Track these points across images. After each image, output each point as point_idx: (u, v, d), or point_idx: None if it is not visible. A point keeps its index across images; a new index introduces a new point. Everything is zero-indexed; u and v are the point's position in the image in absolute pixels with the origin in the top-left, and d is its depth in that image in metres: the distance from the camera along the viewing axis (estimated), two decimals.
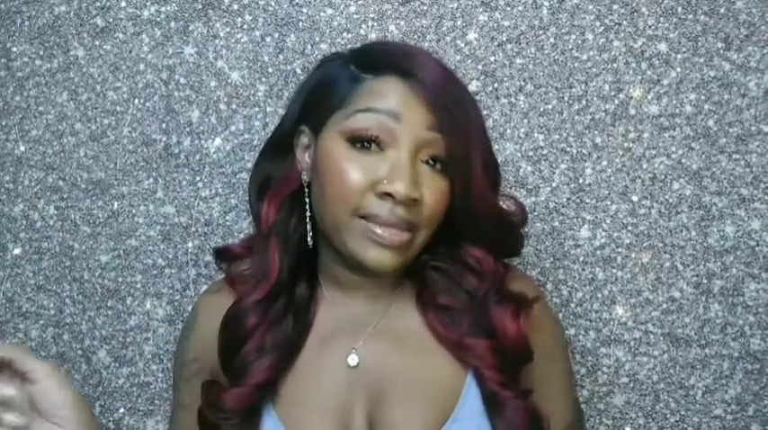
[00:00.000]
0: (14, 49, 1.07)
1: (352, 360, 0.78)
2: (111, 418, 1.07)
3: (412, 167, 0.72)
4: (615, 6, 0.98)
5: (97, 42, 1.05)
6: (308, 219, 0.79)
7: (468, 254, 0.79)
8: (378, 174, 0.72)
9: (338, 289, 0.81)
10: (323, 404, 0.77)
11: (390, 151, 0.73)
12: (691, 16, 0.97)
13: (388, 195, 0.71)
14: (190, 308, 0.98)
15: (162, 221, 1.05)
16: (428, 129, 0.73)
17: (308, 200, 0.78)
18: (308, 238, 0.79)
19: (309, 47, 1.02)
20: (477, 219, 0.77)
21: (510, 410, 0.75)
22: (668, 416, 0.99)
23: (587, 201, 0.99)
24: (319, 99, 0.78)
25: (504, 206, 0.83)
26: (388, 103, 0.73)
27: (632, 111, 0.98)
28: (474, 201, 0.75)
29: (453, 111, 0.73)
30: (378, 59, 0.77)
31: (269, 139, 0.84)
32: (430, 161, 0.74)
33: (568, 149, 0.99)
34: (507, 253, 0.84)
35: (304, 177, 0.79)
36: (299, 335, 0.80)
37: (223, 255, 0.85)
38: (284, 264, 0.79)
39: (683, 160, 0.98)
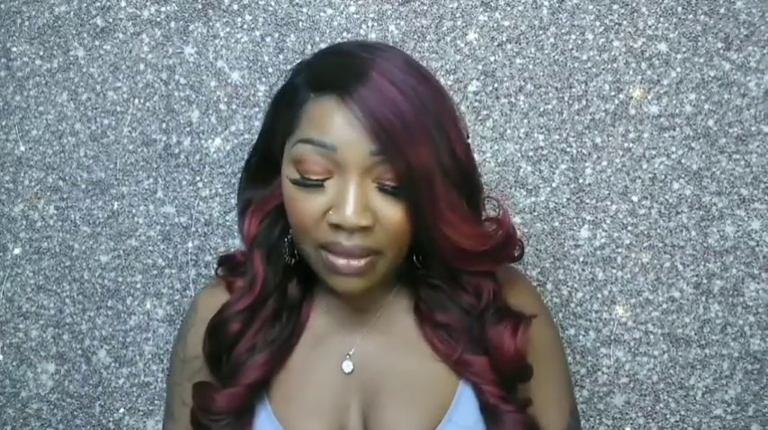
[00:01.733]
0: (14, 49, 1.07)
1: (347, 366, 0.79)
2: (111, 418, 1.07)
3: (359, 194, 0.68)
4: (615, 6, 0.98)
5: (97, 42, 1.05)
6: (288, 238, 0.77)
7: (467, 281, 0.77)
8: (327, 203, 0.70)
9: (331, 291, 0.79)
10: (319, 403, 0.78)
11: (337, 178, 0.70)
12: (691, 16, 0.97)
13: (338, 226, 0.69)
14: None
15: (162, 221, 1.05)
16: (371, 154, 0.68)
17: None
18: (286, 257, 0.78)
19: (309, 47, 1.02)
20: (445, 245, 0.72)
21: (508, 423, 0.76)
22: (668, 416, 0.99)
23: (587, 201, 0.99)
24: (281, 119, 0.75)
25: (488, 207, 0.80)
26: (327, 134, 0.69)
27: (632, 111, 0.98)
28: (433, 225, 0.71)
29: (398, 132, 0.68)
30: (320, 75, 0.72)
31: (247, 160, 0.82)
32: (381, 185, 0.70)
33: (568, 149, 0.99)
34: (502, 261, 0.80)
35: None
36: (292, 332, 0.80)
37: (227, 263, 0.85)
38: (269, 274, 0.78)
39: (683, 160, 0.98)
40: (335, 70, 0.72)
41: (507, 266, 0.87)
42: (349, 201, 0.68)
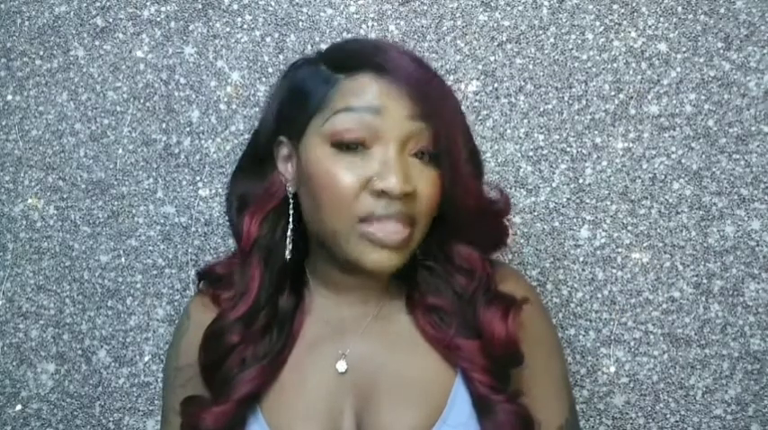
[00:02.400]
0: (14, 49, 1.07)
1: (341, 366, 0.78)
2: (111, 418, 1.07)
3: (401, 161, 0.71)
4: (615, 6, 0.98)
5: (97, 42, 1.05)
6: (289, 232, 0.77)
7: (456, 252, 0.78)
8: (368, 172, 0.71)
9: (329, 292, 0.80)
10: (312, 408, 0.77)
11: (377, 148, 0.71)
12: (691, 16, 0.97)
13: (383, 193, 0.70)
14: None
15: (162, 221, 1.05)
16: (412, 119, 0.71)
17: (292, 212, 0.77)
18: (287, 253, 0.78)
19: (309, 47, 1.02)
20: (463, 210, 0.75)
21: (500, 414, 0.74)
22: (668, 416, 0.99)
23: (587, 201, 0.99)
24: (295, 106, 0.76)
25: (489, 195, 0.81)
26: (367, 100, 0.71)
27: (632, 111, 0.98)
28: (460, 190, 0.74)
29: (434, 99, 0.72)
30: (349, 58, 0.74)
31: (244, 155, 0.82)
32: (418, 154, 0.72)
33: (568, 149, 0.99)
34: (493, 243, 0.82)
35: (289, 189, 0.77)
36: (284, 345, 0.79)
37: (207, 276, 0.84)
38: (265, 280, 0.78)
39: (683, 160, 0.98)
40: (361, 52, 0.75)
41: (502, 263, 0.87)
42: (395, 167, 0.70)
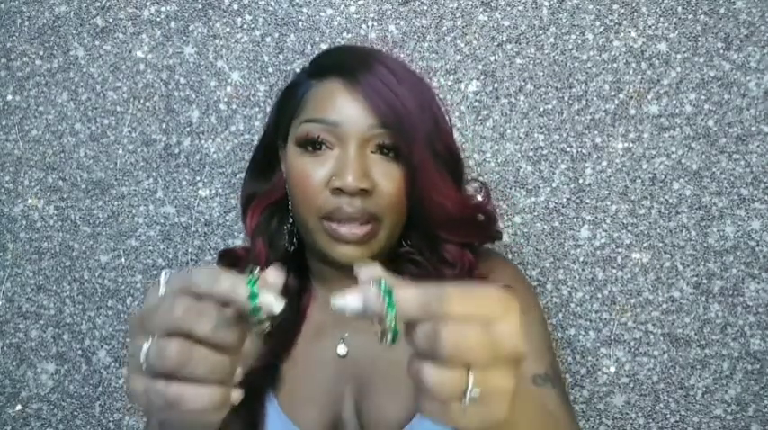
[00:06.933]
0: (14, 49, 1.07)
1: (341, 349, 0.81)
2: (111, 418, 1.07)
3: (359, 159, 0.74)
4: (615, 6, 0.98)
5: (97, 42, 1.05)
6: (288, 226, 0.83)
7: (445, 249, 0.82)
8: (329, 171, 0.76)
9: (325, 284, 0.84)
10: (317, 393, 0.80)
11: (338, 149, 0.76)
12: (691, 16, 0.97)
13: (340, 190, 0.74)
14: None
15: (162, 221, 1.05)
16: (370, 128, 0.75)
17: (291, 207, 0.82)
18: (287, 244, 0.83)
19: (309, 47, 1.02)
20: (440, 211, 0.78)
21: None
22: (668, 416, 0.99)
23: (587, 201, 0.99)
24: (284, 110, 0.82)
25: (470, 189, 0.84)
26: (329, 115, 0.76)
27: (632, 111, 0.98)
28: (430, 190, 0.77)
29: (397, 107, 0.75)
30: (323, 63, 0.81)
31: (252, 156, 0.87)
32: (381, 150, 0.76)
33: (568, 149, 0.99)
34: (483, 239, 0.86)
35: (287, 186, 0.82)
36: (293, 322, 0.83)
37: (226, 257, 0.88)
38: (271, 258, 0.82)
39: (683, 160, 0.98)
40: (337, 59, 0.80)
41: (492, 252, 0.90)
42: (349, 166, 0.74)
